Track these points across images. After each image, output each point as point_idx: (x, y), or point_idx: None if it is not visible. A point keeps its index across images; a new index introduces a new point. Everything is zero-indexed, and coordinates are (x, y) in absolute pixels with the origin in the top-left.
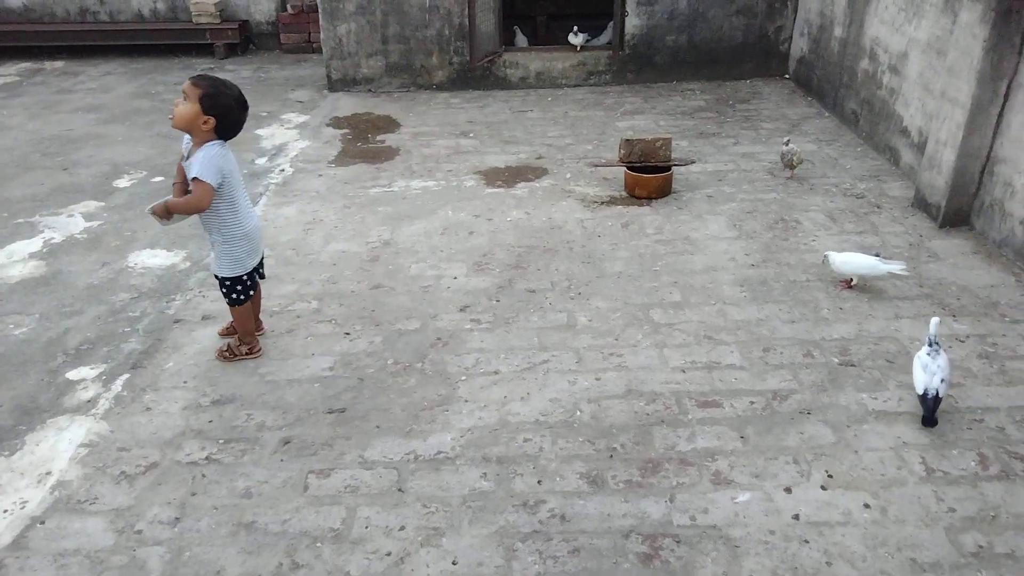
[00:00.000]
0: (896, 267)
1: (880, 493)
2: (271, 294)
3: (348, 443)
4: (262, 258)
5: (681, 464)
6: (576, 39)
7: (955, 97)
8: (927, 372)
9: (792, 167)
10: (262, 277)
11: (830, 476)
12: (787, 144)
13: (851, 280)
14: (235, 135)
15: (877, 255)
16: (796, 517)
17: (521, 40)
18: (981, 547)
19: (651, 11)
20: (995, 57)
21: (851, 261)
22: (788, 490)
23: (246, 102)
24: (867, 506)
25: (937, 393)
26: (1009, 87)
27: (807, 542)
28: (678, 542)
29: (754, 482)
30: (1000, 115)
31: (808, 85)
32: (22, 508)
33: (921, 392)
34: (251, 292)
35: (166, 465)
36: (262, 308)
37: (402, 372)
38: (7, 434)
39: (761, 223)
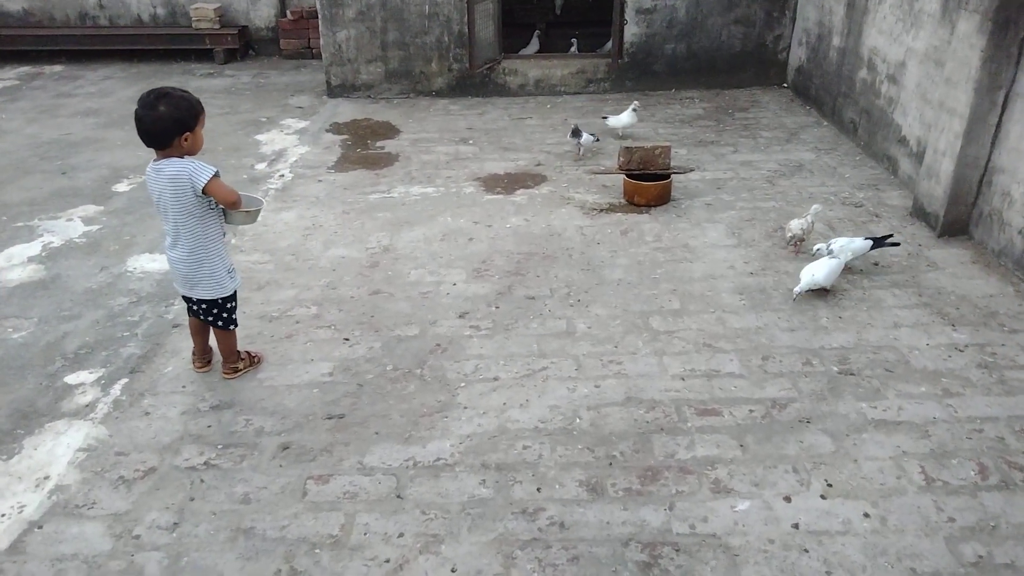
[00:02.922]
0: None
1: (880, 502)
2: (271, 299)
3: (347, 449)
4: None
5: (680, 472)
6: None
7: (953, 107)
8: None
9: (800, 241)
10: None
11: (830, 485)
12: (805, 219)
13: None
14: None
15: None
16: (796, 526)
17: (535, 45)
18: (981, 557)
19: (650, 19)
20: (992, 67)
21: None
22: (788, 499)
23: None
24: (867, 515)
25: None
26: (1007, 97)
27: (807, 551)
28: (677, 550)
29: (753, 491)
30: (998, 125)
31: (806, 94)
32: (20, 512)
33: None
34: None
35: (164, 470)
36: (263, 313)
37: (401, 378)
38: (5, 438)
39: (760, 231)
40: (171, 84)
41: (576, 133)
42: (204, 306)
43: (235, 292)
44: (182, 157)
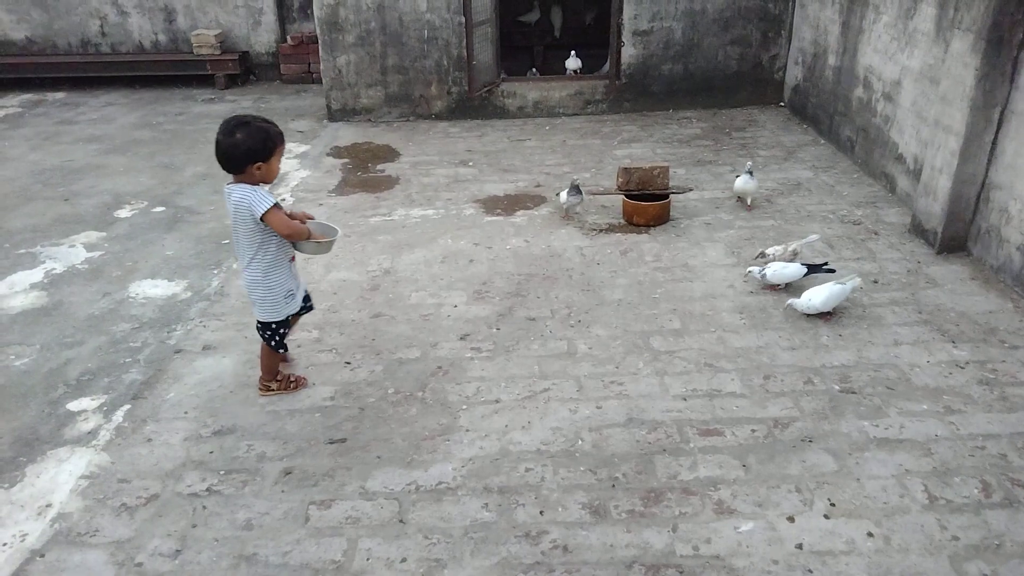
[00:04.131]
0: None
1: (883, 522)
2: None
3: (349, 474)
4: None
5: (683, 493)
6: (573, 63)
7: (949, 125)
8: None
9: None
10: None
11: (833, 505)
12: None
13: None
14: (227, 170)
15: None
16: (799, 546)
17: (573, 62)
18: None
19: (647, 41)
20: (987, 85)
21: (833, 295)
22: (791, 519)
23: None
24: (870, 535)
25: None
26: (1002, 115)
27: (811, 572)
28: (681, 573)
29: (757, 511)
30: (994, 142)
31: (803, 113)
32: (22, 541)
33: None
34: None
35: (167, 497)
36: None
37: (403, 401)
38: (7, 466)
39: (759, 250)
40: (173, 110)
41: (575, 191)
42: (259, 325)
43: (284, 320)
44: (256, 184)
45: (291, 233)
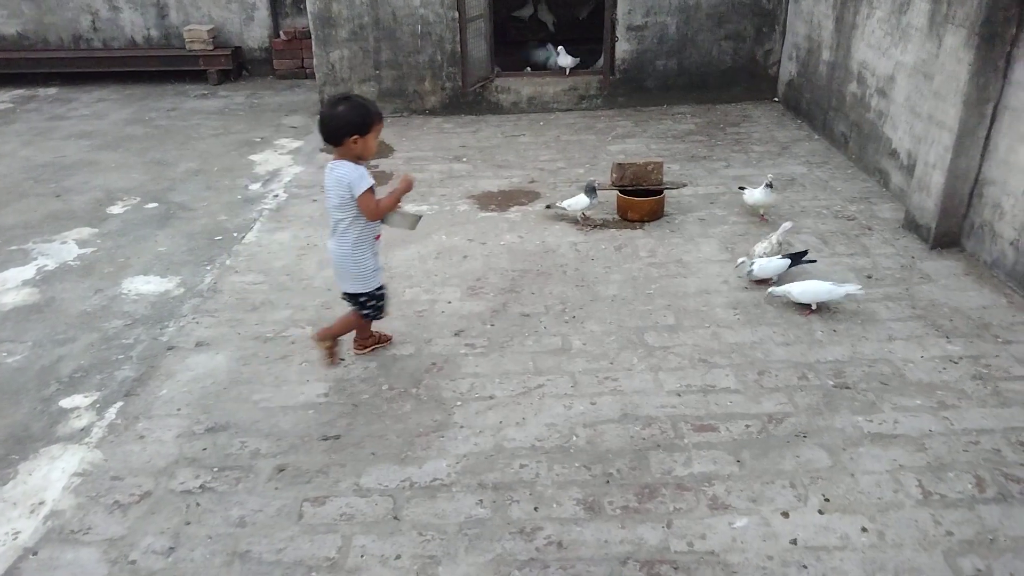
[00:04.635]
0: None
1: (877, 517)
2: (265, 320)
3: (343, 470)
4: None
5: (678, 489)
6: (565, 60)
7: (942, 120)
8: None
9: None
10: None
11: (827, 500)
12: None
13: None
14: (327, 142)
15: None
16: (794, 542)
17: (564, 59)
18: (979, 571)
19: (641, 36)
20: (980, 80)
21: (809, 289)
22: (785, 514)
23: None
24: (864, 530)
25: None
26: (995, 110)
27: (805, 567)
28: (676, 568)
29: (751, 507)
30: (987, 137)
31: (797, 108)
32: (14, 539)
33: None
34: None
35: (160, 494)
36: (258, 334)
37: (397, 398)
38: (0, 463)
39: (753, 245)
40: (165, 106)
41: (591, 192)
42: (348, 298)
43: (378, 290)
44: (355, 159)
45: (377, 215)
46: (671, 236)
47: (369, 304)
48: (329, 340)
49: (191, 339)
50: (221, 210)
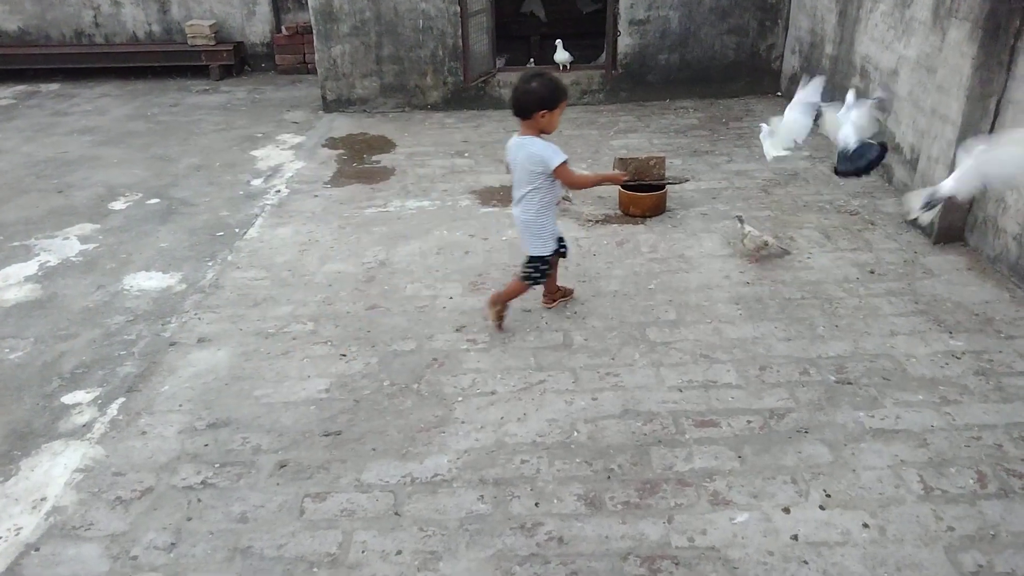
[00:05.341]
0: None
1: (878, 512)
2: (267, 316)
3: (344, 466)
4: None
5: (679, 484)
6: (561, 56)
7: (945, 114)
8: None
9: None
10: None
11: (828, 495)
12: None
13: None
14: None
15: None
16: (795, 537)
17: (561, 55)
18: (981, 566)
19: (643, 31)
20: (984, 75)
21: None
22: (786, 510)
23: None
24: (866, 525)
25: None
26: (999, 104)
27: (806, 563)
28: (676, 564)
29: (752, 502)
30: (991, 132)
31: None
32: (16, 535)
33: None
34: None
35: (161, 490)
36: (259, 330)
37: (398, 393)
38: (1, 459)
39: (755, 240)
40: (167, 101)
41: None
42: (529, 260)
43: (548, 256)
44: (538, 133)
45: (581, 184)
46: (673, 231)
47: (535, 266)
48: (499, 305)
49: (193, 335)
50: (223, 206)
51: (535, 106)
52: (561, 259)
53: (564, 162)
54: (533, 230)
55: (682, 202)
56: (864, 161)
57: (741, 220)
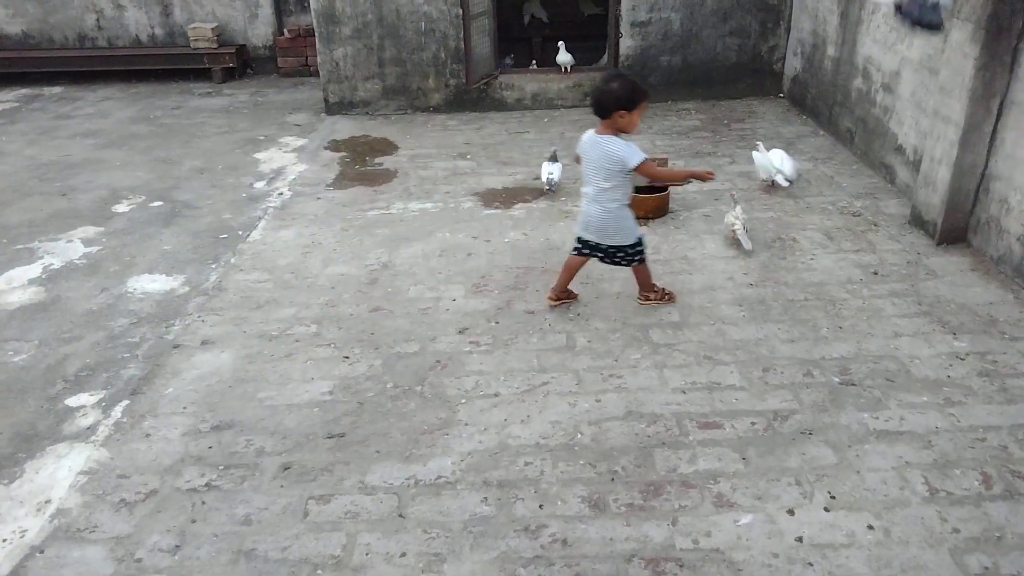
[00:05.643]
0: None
1: (883, 514)
2: (270, 318)
3: (348, 468)
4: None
5: (683, 486)
6: (563, 57)
7: (948, 115)
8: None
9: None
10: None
11: (833, 497)
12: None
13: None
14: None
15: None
16: (799, 539)
17: (563, 56)
18: (986, 568)
19: (645, 32)
20: (986, 75)
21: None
22: (791, 512)
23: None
24: (870, 527)
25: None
26: (1001, 105)
27: (811, 565)
28: (681, 566)
29: (756, 504)
30: (993, 133)
31: (802, 104)
32: (21, 537)
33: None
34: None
35: (166, 492)
36: (262, 332)
37: (401, 396)
38: (6, 462)
39: (758, 242)
40: (170, 104)
41: (553, 158)
42: (617, 251)
43: (641, 238)
44: (616, 132)
45: (667, 179)
46: (676, 233)
47: (638, 248)
48: (652, 293)
49: (196, 337)
50: (226, 208)
51: (614, 106)
52: (584, 260)
53: (644, 160)
54: (619, 223)
55: (685, 204)
56: (929, 13)
57: (735, 200)
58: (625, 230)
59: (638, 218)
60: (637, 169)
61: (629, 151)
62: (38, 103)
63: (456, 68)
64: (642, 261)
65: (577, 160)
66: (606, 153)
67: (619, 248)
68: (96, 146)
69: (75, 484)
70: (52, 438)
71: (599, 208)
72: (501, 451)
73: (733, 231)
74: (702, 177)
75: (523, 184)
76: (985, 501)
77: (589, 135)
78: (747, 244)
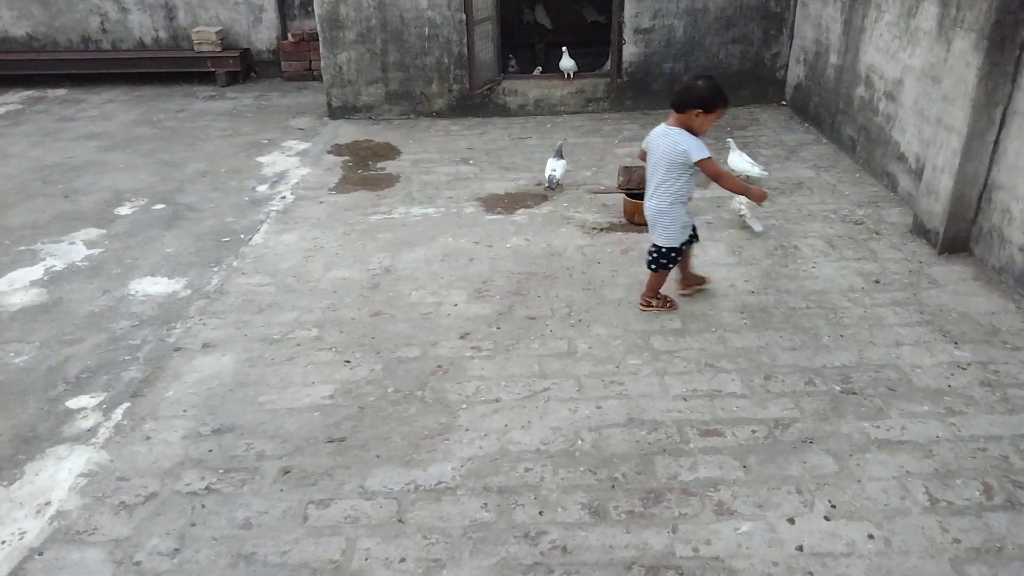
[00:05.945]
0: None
1: (884, 524)
2: (272, 322)
3: (348, 473)
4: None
5: (683, 494)
6: (566, 63)
7: (951, 124)
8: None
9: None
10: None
11: (833, 506)
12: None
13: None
14: (674, 107)
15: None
16: (800, 548)
17: (566, 62)
18: None
19: (648, 39)
20: (989, 84)
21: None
22: (791, 520)
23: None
24: (871, 537)
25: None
26: (1004, 114)
27: (811, 574)
28: (681, 574)
29: (757, 512)
30: (996, 142)
31: (805, 112)
32: (21, 539)
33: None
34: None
35: (165, 495)
36: (264, 336)
37: (402, 400)
38: (6, 464)
39: (760, 249)
40: (173, 107)
41: (559, 154)
42: (655, 248)
43: (679, 247)
44: (688, 129)
45: (726, 180)
46: None
47: (666, 255)
48: (655, 300)
49: (198, 340)
50: (228, 211)
51: (693, 103)
52: (695, 244)
53: (709, 157)
54: (665, 220)
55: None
56: None
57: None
58: (664, 230)
59: (638, 224)
60: (700, 164)
61: (695, 145)
62: (42, 105)
63: (459, 73)
64: (660, 269)
65: (641, 156)
66: (672, 143)
67: (652, 245)
68: (99, 148)
69: (75, 486)
70: (52, 440)
71: (654, 202)
72: (501, 457)
73: (742, 216)
74: (756, 197)
75: (525, 189)
76: (986, 511)
77: (660, 127)
78: (757, 226)
